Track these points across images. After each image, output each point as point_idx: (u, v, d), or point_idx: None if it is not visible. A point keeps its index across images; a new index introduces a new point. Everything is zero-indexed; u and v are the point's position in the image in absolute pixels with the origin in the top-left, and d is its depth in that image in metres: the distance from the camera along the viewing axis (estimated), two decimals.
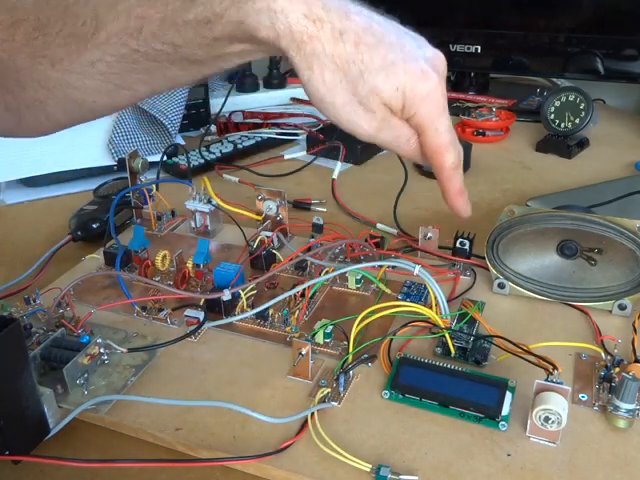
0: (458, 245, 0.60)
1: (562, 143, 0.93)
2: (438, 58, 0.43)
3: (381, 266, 0.58)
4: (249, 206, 0.68)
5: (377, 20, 0.42)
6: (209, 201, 0.67)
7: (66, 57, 0.43)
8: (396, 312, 0.52)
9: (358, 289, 0.58)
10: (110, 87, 0.44)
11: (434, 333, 0.51)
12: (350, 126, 0.42)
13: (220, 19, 0.39)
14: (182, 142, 0.98)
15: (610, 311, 0.54)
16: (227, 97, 1.09)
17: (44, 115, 0.47)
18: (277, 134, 1.00)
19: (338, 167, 0.86)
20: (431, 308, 0.51)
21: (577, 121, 0.93)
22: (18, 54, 0.43)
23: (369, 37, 0.40)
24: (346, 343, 0.49)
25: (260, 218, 0.67)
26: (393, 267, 0.58)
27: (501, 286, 0.57)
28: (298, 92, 1.19)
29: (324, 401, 0.45)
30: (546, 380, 0.41)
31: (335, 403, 0.45)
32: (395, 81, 0.40)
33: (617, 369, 0.46)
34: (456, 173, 0.45)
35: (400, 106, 0.41)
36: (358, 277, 0.58)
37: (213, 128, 1.05)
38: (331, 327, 0.51)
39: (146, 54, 0.42)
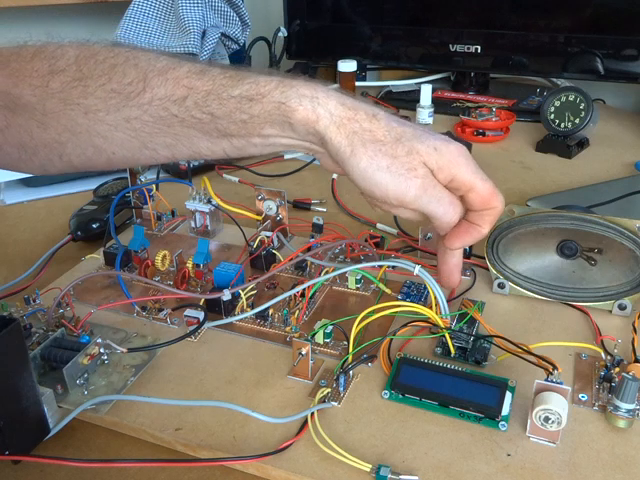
0: None
1: (562, 143, 0.93)
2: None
3: (381, 266, 0.58)
4: (249, 206, 0.68)
5: (395, 118, 0.45)
6: (209, 201, 0.67)
7: (103, 109, 0.45)
8: (396, 312, 0.52)
9: (358, 289, 0.58)
10: (135, 144, 0.46)
11: (434, 333, 0.51)
12: (396, 188, 0.43)
13: (262, 98, 0.43)
14: None
15: (610, 311, 0.54)
16: None
17: (58, 156, 0.48)
18: None
19: None
20: (431, 308, 0.51)
21: (577, 121, 0.93)
22: (50, 99, 0.45)
23: (393, 120, 0.44)
24: (346, 343, 0.49)
25: (260, 218, 0.67)
26: (393, 267, 0.58)
27: (501, 286, 0.57)
28: None
29: (324, 401, 0.45)
30: (546, 380, 0.41)
31: (335, 403, 0.45)
32: (430, 144, 0.43)
33: (617, 369, 0.46)
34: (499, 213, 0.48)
35: (441, 165, 0.44)
36: (358, 277, 0.58)
37: None
38: (331, 327, 0.51)
39: (183, 120, 0.44)
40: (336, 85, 0.53)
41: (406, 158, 0.43)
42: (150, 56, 0.45)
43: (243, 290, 0.54)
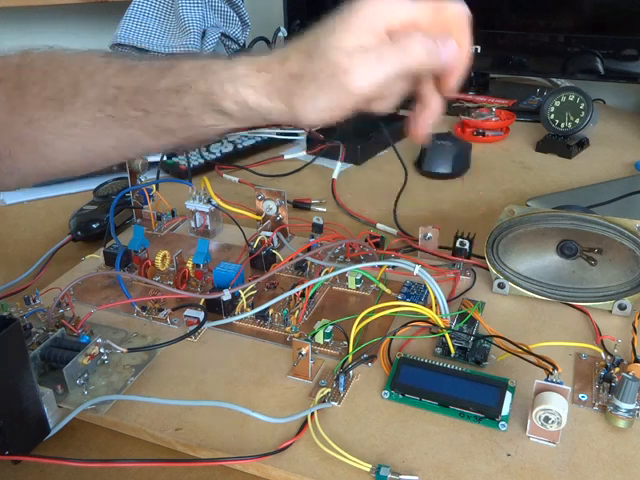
0: (458, 245, 0.60)
1: (562, 143, 0.93)
2: None
3: (381, 266, 0.58)
4: (249, 206, 0.68)
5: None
6: (209, 201, 0.67)
7: (43, 117, 0.44)
8: (396, 312, 0.52)
9: (358, 289, 0.58)
10: (81, 149, 0.46)
11: (434, 333, 0.51)
12: (356, 90, 0.40)
13: (189, 89, 0.42)
14: None
15: (610, 311, 0.54)
16: None
17: (10, 170, 0.47)
18: (277, 134, 1.00)
19: (338, 167, 0.86)
20: (431, 308, 0.51)
21: (577, 121, 0.93)
22: None
23: (299, 46, 0.42)
24: (346, 343, 0.49)
25: (260, 218, 0.67)
26: (393, 267, 0.58)
27: (501, 286, 0.57)
28: None
29: (324, 401, 0.45)
30: (546, 380, 0.41)
31: (335, 403, 0.45)
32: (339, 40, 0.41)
33: (617, 369, 0.46)
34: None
35: (376, 29, 0.41)
36: (358, 277, 0.58)
37: None
38: (331, 327, 0.51)
39: (120, 120, 0.43)
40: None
41: (329, 63, 0.40)
42: (84, 58, 0.44)
43: (243, 290, 0.54)
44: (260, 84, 0.41)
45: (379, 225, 0.72)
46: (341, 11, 0.42)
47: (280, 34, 1.18)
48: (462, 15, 0.43)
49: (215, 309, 0.54)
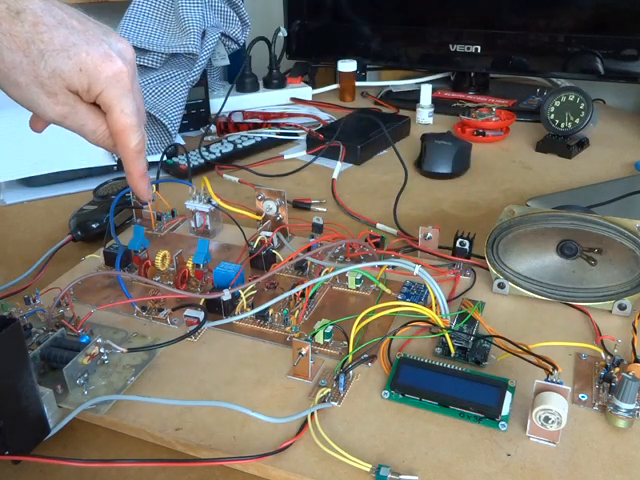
0: (458, 245, 0.60)
1: (562, 143, 0.93)
2: (126, 48, 0.43)
3: (381, 266, 0.58)
4: (249, 206, 0.68)
5: (59, 5, 0.41)
6: (209, 201, 0.67)
7: None
8: (396, 312, 0.52)
9: (358, 289, 0.58)
10: None
11: (434, 333, 0.51)
12: (34, 109, 0.41)
13: None
14: (182, 142, 0.98)
15: (610, 311, 0.54)
16: (227, 97, 1.09)
17: None
18: (277, 134, 1.00)
19: (338, 167, 0.87)
20: (431, 308, 0.51)
21: (577, 121, 0.93)
22: None
23: (49, 18, 0.39)
24: (346, 343, 0.49)
25: (260, 218, 0.67)
26: (393, 267, 0.58)
27: (501, 286, 0.57)
28: (298, 92, 1.19)
29: (324, 401, 0.45)
30: (546, 380, 0.41)
31: (335, 403, 0.45)
32: (78, 62, 0.40)
33: (617, 369, 0.46)
34: (139, 156, 0.45)
35: (85, 87, 0.41)
36: (358, 277, 0.58)
37: (213, 128, 1.05)
38: (331, 327, 0.51)
39: None
40: None
41: (48, 81, 0.39)
42: None
43: (243, 290, 0.54)
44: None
45: (379, 225, 0.72)
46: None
47: (280, 34, 1.18)
48: (132, 150, 0.44)
49: (215, 309, 0.54)
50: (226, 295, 0.53)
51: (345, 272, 0.57)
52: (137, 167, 0.46)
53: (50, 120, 0.42)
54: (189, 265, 0.59)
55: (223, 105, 1.08)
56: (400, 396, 0.45)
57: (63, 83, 0.40)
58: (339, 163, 0.87)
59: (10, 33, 0.38)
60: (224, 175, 0.88)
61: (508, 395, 0.43)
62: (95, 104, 0.43)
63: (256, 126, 1.04)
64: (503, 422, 0.42)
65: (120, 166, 0.86)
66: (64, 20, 0.40)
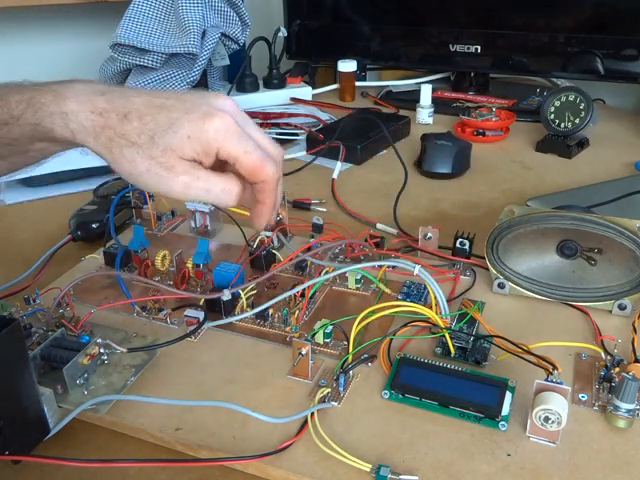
0: (458, 245, 0.60)
1: (562, 143, 0.93)
2: (224, 100, 0.45)
3: (381, 266, 0.58)
4: (249, 206, 0.68)
5: (156, 94, 0.44)
6: None
7: None
8: (396, 312, 0.52)
9: (358, 289, 0.58)
10: None
11: (434, 333, 0.51)
12: (161, 189, 0.43)
13: (17, 121, 0.44)
14: None
15: (610, 311, 0.54)
16: None
17: None
18: (277, 134, 1.00)
19: (338, 167, 0.87)
20: (431, 308, 0.51)
21: (577, 121, 0.93)
22: None
23: (151, 109, 0.43)
24: (346, 343, 0.49)
25: None
26: (393, 267, 0.58)
27: (501, 286, 0.57)
28: (298, 92, 1.19)
29: (324, 401, 0.45)
30: (546, 380, 0.41)
31: (335, 403, 0.45)
32: (183, 132, 0.42)
33: (617, 369, 0.46)
34: (279, 184, 0.46)
35: (199, 151, 0.42)
36: (358, 277, 0.58)
37: None
38: (331, 327, 0.51)
39: None
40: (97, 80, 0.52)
41: (162, 158, 0.42)
42: None
43: (243, 290, 0.54)
44: (90, 125, 0.43)
45: (379, 225, 0.72)
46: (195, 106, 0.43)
47: (280, 34, 1.18)
48: (272, 179, 0.45)
49: (215, 309, 0.54)
50: (226, 295, 0.53)
51: (345, 272, 0.57)
52: (276, 196, 0.46)
53: (177, 195, 0.43)
54: (189, 265, 0.59)
55: None
56: (400, 396, 0.45)
57: (176, 154, 0.42)
58: (339, 163, 0.87)
59: (124, 133, 0.42)
60: None
61: (508, 395, 0.43)
62: (223, 169, 0.44)
63: None
64: (503, 422, 0.42)
65: None
66: (163, 104, 0.43)
